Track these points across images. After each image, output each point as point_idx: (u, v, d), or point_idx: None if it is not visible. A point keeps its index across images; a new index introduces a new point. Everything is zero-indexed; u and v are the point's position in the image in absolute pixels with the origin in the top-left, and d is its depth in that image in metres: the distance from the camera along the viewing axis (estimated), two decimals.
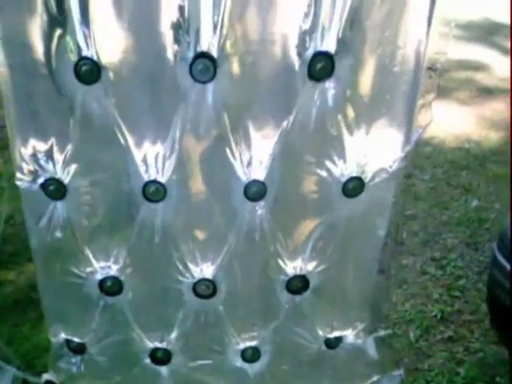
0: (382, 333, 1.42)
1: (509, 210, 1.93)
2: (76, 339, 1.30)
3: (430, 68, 1.08)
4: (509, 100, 4.58)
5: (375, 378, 1.44)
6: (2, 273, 2.87)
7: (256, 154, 1.07)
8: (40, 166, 1.06)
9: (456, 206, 3.42)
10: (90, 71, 0.98)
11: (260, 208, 1.14)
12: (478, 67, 5.49)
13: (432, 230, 3.20)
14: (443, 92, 4.86)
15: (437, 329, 2.60)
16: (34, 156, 1.05)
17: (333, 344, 1.37)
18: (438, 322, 2.64)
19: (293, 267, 1.22)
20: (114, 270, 1.20)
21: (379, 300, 1.36)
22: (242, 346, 1.34)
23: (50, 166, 1.06)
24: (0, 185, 3.47)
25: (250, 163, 1.08)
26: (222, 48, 0.98)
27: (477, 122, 4.41)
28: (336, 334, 1.34)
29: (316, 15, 0.97)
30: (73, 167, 1.07)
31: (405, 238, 3.13)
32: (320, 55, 1.00)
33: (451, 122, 4.36)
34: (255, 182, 1.11)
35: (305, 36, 0.99)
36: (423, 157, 3.89)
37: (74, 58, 0.97)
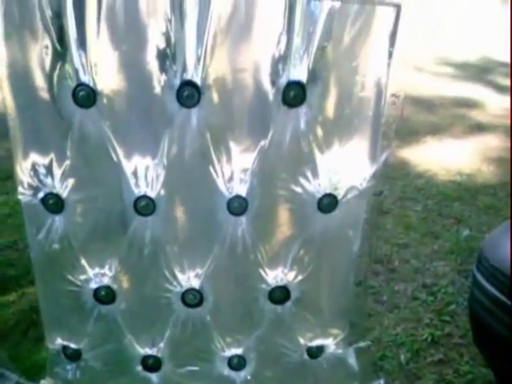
0: (362, 344, 1.50)
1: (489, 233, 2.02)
2: (72, 345, 1.39)
3: (394, 95, 1.20)
4: (502, 134, 4.74)
5: None
6: (4, 295, 2.96)
7: (237, 172, 1.19)
8: (40, 180, 1.18)
9: (447, 235, 3.50)
10: (86, 96, 1.11)
11: (242, 222, 1.25)
12: (472, 104, 5.64)
13: (423, 258, 3.28)
14: (437, 127, 5.01)
15: (427, 352, 2.66)
16: (35, 171, 1.17)
17: (314, 353, 1.45)
18: (428, 346, 2.69)
19: (273, 277, 1.32)
20: (107, 279, 1.30)
21: (358, 311, 1.45)
22: (228, 353, 1.42)
23: (49, 181, 1.18)
24: (5, 212, 3.59)
25: (231, 179, 1.19)
26: (204, 77, 1.11)
27: (469, 156, 4.52)
28: (317, 342, 1.43)
29: (288, 48, 1.10)
30: (70, 182, 1.19)
31: (397, 266, 3.21)
32: (293, 84, 1.13)
33: (444, 156, 4.48)
34: (237, 197, 1.22)
35: (278, 66, 1.12)
36: (416, 189, 3.99)
37: (72, 83, 1.10)
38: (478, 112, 5.42)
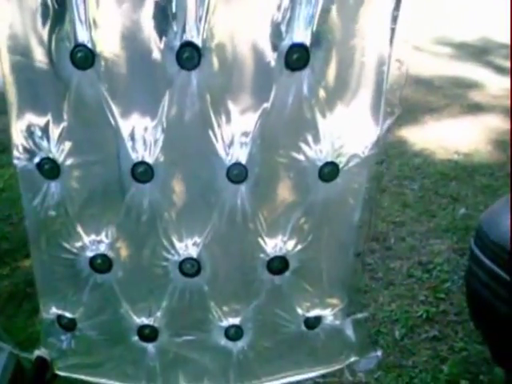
0: (359, 315, 1.49)
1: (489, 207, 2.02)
2: (67, 314, 1.37)
3: (398, 60, 1.17)
4: (501, 114, 4.72)
5: (353, 359, 1.51)
6: None
7: (237, 136, 1.16)
8: (35, 143, 1.15)
9: (443, 214, 3.51)
10: (84, 57, 1.08)
11: (241, 190, 1.23)
12: (471, 85, 5.62)
13: (419, 236, 3.29)
14: (435, 107, 4.99)
15: (422, 328, 2.67)
16: (30, 133, 1.14)
17: (312, 324, 1.44)
18: (422, 322, 2.71)
19: (272, 247, 1.30)
20: (103, 246, 1.28)
21: (357, 282, 1.44)
22: (225, 323, 1.41)
23: (44, 144, 1.15)
24: None
25: (231, 144, 1.17)
26: (205, 38, 1.08)
27: (467, 136, 4.51)
28: (315, 313, 1.42)
29: (292, 10, 1.07)
30: (67, 146, 1.15)
31: (393, 243, 3.22)
32: (296, 46, 1.10)
33: (442, 135, 4.48)
34: (237, 164, 1.20)
35: (281, 28, 1.08)
36: (413, 168, 3.99)
37: (70, 44, 1.07)
38: (476, 92, 5.40)
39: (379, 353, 1.52)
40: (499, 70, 5.91)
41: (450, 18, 7.27)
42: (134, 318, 1.39)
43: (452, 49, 6.68)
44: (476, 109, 5.03)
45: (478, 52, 6.59)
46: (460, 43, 6.78)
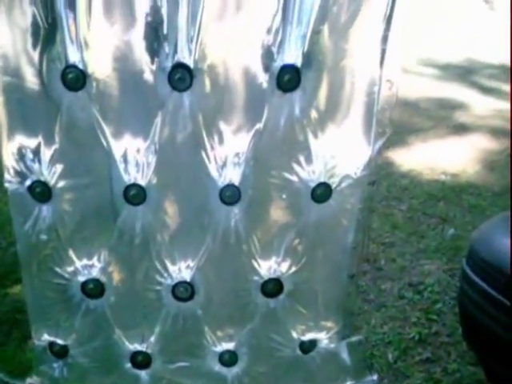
0: (354, 338, 1.47)
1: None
2: (59, 341, 1.35)
3: (389, 81, 1.18)
4: (487, 134, 4.78)
5: (349, 383, 1.49)
6: None
7: (230, 157, 1.16)
8: (27, 166, 1.14)
9: (433, 234, 3.51)
10: (75, 78, 1.08)
11: (235, 211, 1.22)
12: (456, 106, 5.68)
13: (409, 257, 3.28)
14: (421, 128, 5.04)
15: (415, 350, 2.65)
16: (22, 155, 1.13)
17: (307, 348, 1.42)
18: (415, 344, 2.68)
19: (267, 269, 1.29)
20: (95, 271, 1.26)
21: (351, 304, 1.43)
22: (219, 348, 1.39)
23: (36, 166, 1.14)
24: None
25: (224, 166, 1.16)
26: (197, 60, 1.08)
27: (454, 156, 4.54)
28: (310, 336, 1.40)
29: (283, 31, 1.08)
30: (58, 168, 1.15)
31: (383, 264, 3.20)
32: (287, 68, 1.10)
33: (428, 156, 4.50)
34: (230, 186, 1.19)
35: (273, 49, 1.09)
36: (400, 188, 4.00)
37: (61, 65, 1.06)
38: (462, 113, 5.46)
39: (375, 377, 1.50)
40: (484, 90, 6.00)
41: (435, 38, 7.39)
42: (127, 344, 1.37)
43: (437, 70, 6.78)
44: (462, 129, 5.08)
45: (464, 72, 6.68)
46: (445, 64, 6.88)
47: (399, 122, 4.90)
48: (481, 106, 5.49)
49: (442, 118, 5.30)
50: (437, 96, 5.75)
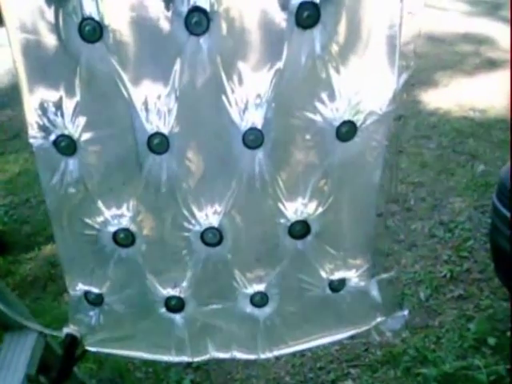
0: (384, 275, 1.48)
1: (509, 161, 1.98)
2: (94, 290, 1.38)
3: (410, 12, 1.14)
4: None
5: (379, 319, 1.51)
6: (21, 251, 2.99)
7: (251, 100, 1.14)
8: (50, 120, 1.14)
9: (463, 171, 3.47)
10: (92, 30, 1.06)
11: (258, 155, 1.21)
12: (483, 40, 5.50)
13: (439, 196, 3.26)
14: (448, 64, 4.90)
15: (446, 288, 2.67)
16: (44, 110, 1.13)
17: (337, 287, 1.44)
18: (447, 282, 2.70)
19: (293, 211, 1.29)
20: (125, 221, 1.28)
21: (379, 242, 1.43)
22: (250, 290, 1.41)
23: (59, 120, 1.14)
24: (15, 170, 3.62)
25: (245, 109, 1.15)
26: (213, 2, 1.06)
27: (481, 91, 4.43)
28: (339, 275, 1.41)
29: None
30: (81, 121, 1.15)
31: (413, 204, 3.19)
32: (306, 4, 1.07)
33: (456, 92, 4.40)
34: (253, 129, 1.18)
35: None
36: (429, 126, 3.94)
37: (77, 18, 1.05)
38: (489, 48, 5.29)
39: (406, 312, 1.51)
40: None
41: None
42: (160, 289, 1.40)
43: (465, 4, 6.53)
44: (489, 64, 4.94)
45: (491, 7, 6.43)
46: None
47: (425, 58, 4.77)
48: (508, 40, 5.29)
49: (469, 54, 5.15)
50: (464, 31, 5.56)
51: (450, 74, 4.69)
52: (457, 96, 4.31)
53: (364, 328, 1.51)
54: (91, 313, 1.45)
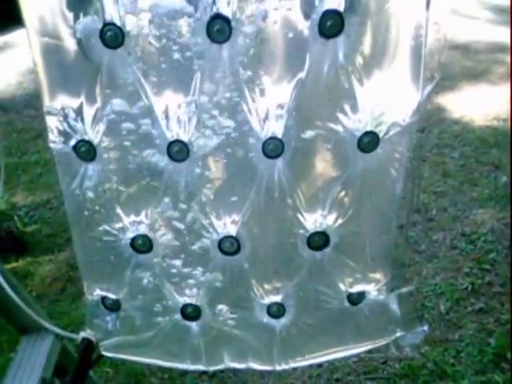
0: (404, 289, 1.45)
1: None
2: (111, 295, 1.38)
3: (436, 23, 1.12)
4: None
5: (398, 334, 1.48)
6: (40, 253, 3.02)
7: (272, 109, 1.13)
8: (70, 126, 1.14)
9: (486, 182, 3.42)
10: (114, 36, 1.06)
11: (278, 164, 1.20)
12: (508, 49, 5.42)
13: (462, 206, 3.21)
14: (472, 72, 4.84)
15: (467, 301, 2.62)
16: (65, 115, 1.13)
17: (355, 300, 1.41)
18: (468, 295, 2.65)
19: (312, 222, 1.28)
20: (143, 227, 1.28)
21: (400, 254, 1.40)
22: (267, 301, 1.40)
23: (79, 126, 1.14)
24: (37, 171, 3.66)
25: (266, 118, 1.14)
26: (235, 10, 1.05)
27: (505, 101, 4.36)
28: (358, 288, 1.39)
29: None
30: (101, 127, 1.15)
31: (435, 214, 3.15)
32: (329, 13, 1.05)
33: (480, 101, 4.34)
34: (273, 138, 1.17)
35: None
36: (452, 135, 3.89)
37: (99, 24, 1.05)
38: None
39: (425, 327, 1.48)
40: None
41: None
42: (177, 296, 1.39)
43: (491, 13, 6.45)
44: None
45: None
46: (500, 7, 6.53)
47: (449, 66, 4.72)
48: None
49: (493, 62, 5.08)
50: (489, 39, 5.49)
51: (474, 82, 4.63)
52: (481, 105, 4.25)
53: (382, 342, 1.49)
54: (108, 318, 1.45)
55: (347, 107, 1.13)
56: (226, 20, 1.05)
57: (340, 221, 1.28)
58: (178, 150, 1.18)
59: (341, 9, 1.05)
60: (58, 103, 1.13)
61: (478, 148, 3.74)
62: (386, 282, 1.40)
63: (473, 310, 2.59)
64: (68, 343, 1.81)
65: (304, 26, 1.07)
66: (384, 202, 1.29)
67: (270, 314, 1.42)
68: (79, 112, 1.13)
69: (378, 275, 1.39)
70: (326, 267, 1.35)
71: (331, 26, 1.06)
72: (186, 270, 1.36)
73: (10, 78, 5.32)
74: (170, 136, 1.17)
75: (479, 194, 3.29)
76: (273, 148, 1.18)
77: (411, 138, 1.22)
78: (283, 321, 1.43)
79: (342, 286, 1.38)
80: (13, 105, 4.75)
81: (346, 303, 1.41)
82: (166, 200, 1.25)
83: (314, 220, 1.28)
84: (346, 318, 1.44)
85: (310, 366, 2.25)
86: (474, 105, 4.22)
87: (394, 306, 1.45)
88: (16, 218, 3.28)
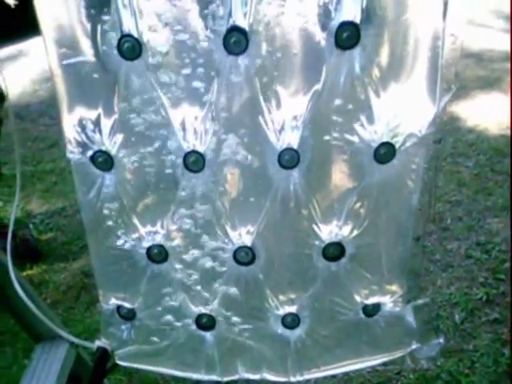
0: (420, 301, 1.44)
1: None
2: (126, 305, 1.39)
3: (453, 35, 1.12)
4: None
5: (414, 346, 1.47)
6: (55, 260, 3.04)
7: (288, 121, 1.13)
8: (88, 137, 1.15)
9: (501, 191, 3.39)
10: (131, 47, 1.07)
11: (294, 175, 1.20)
12: None
13: (476, 215, 3.18)
14: (486, 81, 4.81)
15: (482, 311, 2.60)
16: (83, 126, 1.15)
17: (371, 312, 1.41)
18: (483, 305, 2.63)
19: (328, 233, 1.27)
20: (159, 237, 1.28)
21: (416, 267, 1.39)
22: (281, 311, 1.39)
23: (97, 137, 1.15)
24: (52, 179, 3.69)
25: (282, 129, 1.14)
26: (252, 22, 1.05)
27: None
28: (374, 300, 1.38)
29: None
30: (119, 138, 1.16)
31: (449, 224, 3.13)
32: (346, 25, 1.06)
33: (494, 110, 4.31)
34: (288, 149, 1.17)
35: (330, 7, 1.04)
36: (467, 144, 3.87)
37: (116, 35, 1.06)
38: None
39: (441, 339, 1.47)
40: None
41: None
42: (192, 306, 1.39)
43: (504, 21, 6.41)
44: None
45: None
46: None
47: (463, 75, 4.70)
48: None
49: (507, 71, 5.04)
50: (502, 49, 5.45)
51: (488, 91, 4.60)
52: (495, 114, 4.22)
53: (398, 354, 1.48)
54: (123, 327, 1.45)
55: (363, 118, 1.13)
56: (243, 32, 1.06)
57: (356, 232, 1.28)
58: (194, 161, 1.19)
59: (357, 20, 1.05)
60: (75, 114, 1.14)
61: (493, 157, 3.71)
62: (402, 294, 1.39)
63: (487, 320, 2.57)
64: (82, 351, 1.81)
65: (320, 38, 1.07)
66: (400, 213, 1.29)
67: (284, 324, 1.42)
68: (97, 123, 1.15)
69: (393, 287, 1.38)
70: (342, 278, 1.35)
71: (347, 37, 1.06)
72: (200, 280, 1.36)
73: (25, 85, 5.37)
74: (187, 147, 1.17)
75: (494, 204, 3.27)
76: (288, 159, 1.18)
77: (428, 148, 1.21)
78: (298, 332, 1.43)
79: (357, 298, 1.38)
80: (28, 113, 4.79)
81: (362, 315, 1.41)
82: (182, 210, 1.25)
83: (329, 231, 1.28)
84: (362, 330, 1.44)
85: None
86: (488, 114, 4.20)
87: (410, 318, 1.44)
88: (31, 225, 3.30)
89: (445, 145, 3.73)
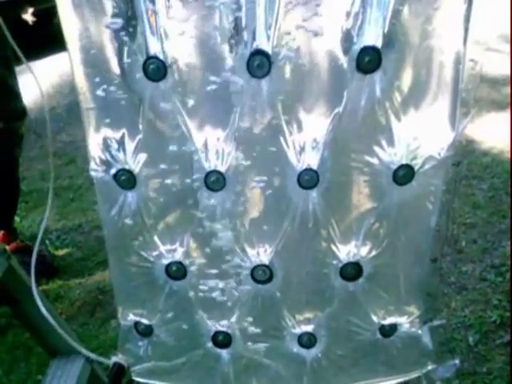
0: (436, 322, 1.45)
1: None
2: (144, 321, 1.40)
3: (472, 60, 1.14)
4: None
5: (430, 367, 1.47)
6: (71, 276, 3.06)
7: (308, 143, 1.15)
8: (112, 156, 1.18)
9: None
10: (156, 69, 1.10)
11: (313, 195, 1.22)
12: None
13: (491, 238, 3.17)
14: (501, 105, 4.82)
15: (496, 334, 2.58)
16: (107, 146, 1.17)
17: (387, 332, 1.41)
18: (497, 327, 2.61)
19: (346, 253, 1.29)
20: (178, 254, 1.30)
21: (433, 288, 1.40)
22: (298, 330, 1.40)
23: (121, 156, 1.18)
24: (69, 196, 3.72)
25: (302, 151, 1.16)
26: (275, 45, 1.08)
27: None
28: (390, 321, 1.38)
29: (363, 13, 1.05)
30: (142, 157, 1.18)
31: (464, 246, 3.12)
32: (367, 49, 1.08)
33: (509, 133, 4.31)
34: (308, 170, 1.19)
35: (352, 33, 1.07)
36: (482, 167, 3.86)
37: (142, 57, 1.09)
38: None
39: (457, 361, 1.47)
40: None
41: None
42: (209, 324, 1.40)
43: None
44: None
45: None
46: None
47: (478, 98, 4.70)
48: None
49: None
50: None
51: (503, 114, 4.60)
52: (510, 137, 4.23)
53: (414, 375, 1.48)
54: (140, 343, 1.46)
55: (383, 141, 1.15)
56: (266, 55, 1.09)
57: (374, 252, 1.29)
58: (215, 180, 1.21)
59: (379, 45, 1.07)
60: (101, 133, 1.17)
61: (507, 180, 3.70)
62: (419, 315, 1.40)
63: (501, 342, 2.55)
64: (97, 367, 1.82)
65: (342, 62, 1.09)
66: (418, 234, 1.30)
67: (300, 343, 1.43)
68: (121, 142, 1.17)
69: (411, 307, 1.39)
70: (359, 298, 1.35)
71: (369, 61, 1.08)
72: (218, 297, 1.38)
73: (40, 101, 5.44)
74: (208, 166, 1.20)
75: (508, 226, 3.25)
76: (308, 179, 1.20)
77: (446, 171, 1.23)
78: (314, 351, 1.43)
79: (374, 318, 1.38)
80: (45, 130, 4.85)
81: (378, 335, 1.41)
82: (201, 228, 1.27)
83: (347, 251, 1.29)
84: (378, 350, 1.44)
85: None
86: (503, 137, 4.19)
87: (426, 339, 1.44)
88: (47, 241, 3.34)
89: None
